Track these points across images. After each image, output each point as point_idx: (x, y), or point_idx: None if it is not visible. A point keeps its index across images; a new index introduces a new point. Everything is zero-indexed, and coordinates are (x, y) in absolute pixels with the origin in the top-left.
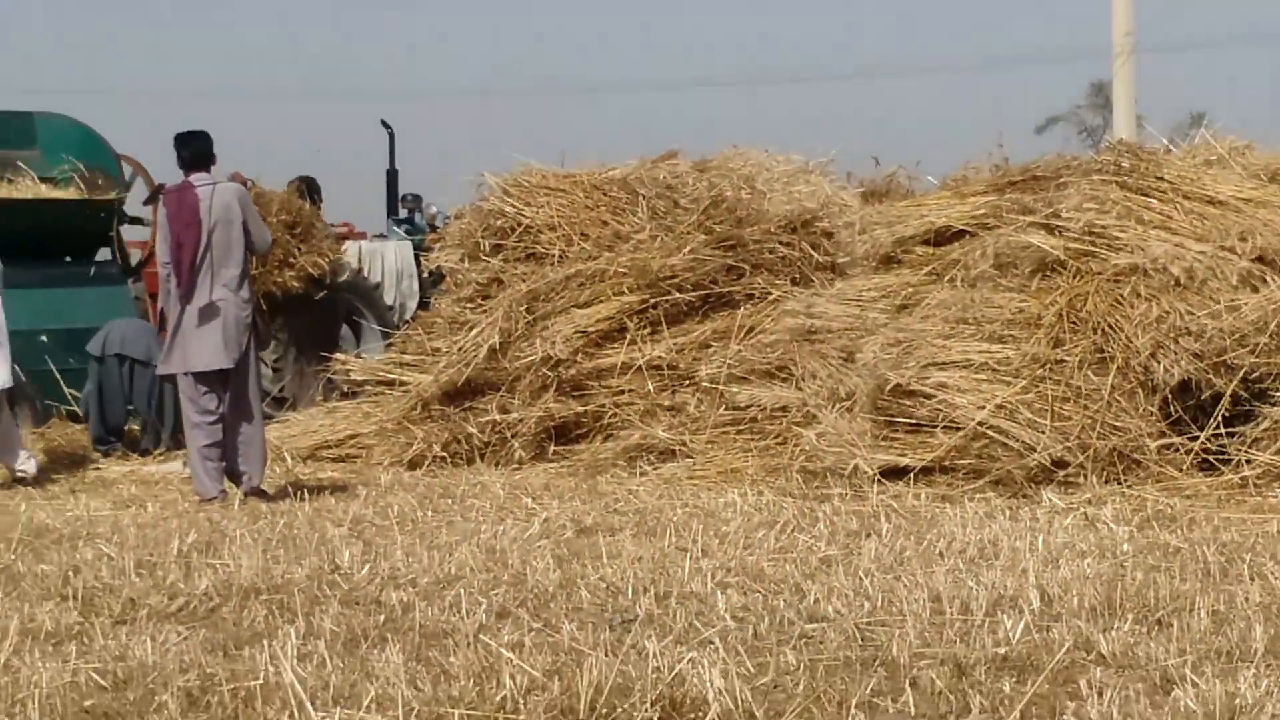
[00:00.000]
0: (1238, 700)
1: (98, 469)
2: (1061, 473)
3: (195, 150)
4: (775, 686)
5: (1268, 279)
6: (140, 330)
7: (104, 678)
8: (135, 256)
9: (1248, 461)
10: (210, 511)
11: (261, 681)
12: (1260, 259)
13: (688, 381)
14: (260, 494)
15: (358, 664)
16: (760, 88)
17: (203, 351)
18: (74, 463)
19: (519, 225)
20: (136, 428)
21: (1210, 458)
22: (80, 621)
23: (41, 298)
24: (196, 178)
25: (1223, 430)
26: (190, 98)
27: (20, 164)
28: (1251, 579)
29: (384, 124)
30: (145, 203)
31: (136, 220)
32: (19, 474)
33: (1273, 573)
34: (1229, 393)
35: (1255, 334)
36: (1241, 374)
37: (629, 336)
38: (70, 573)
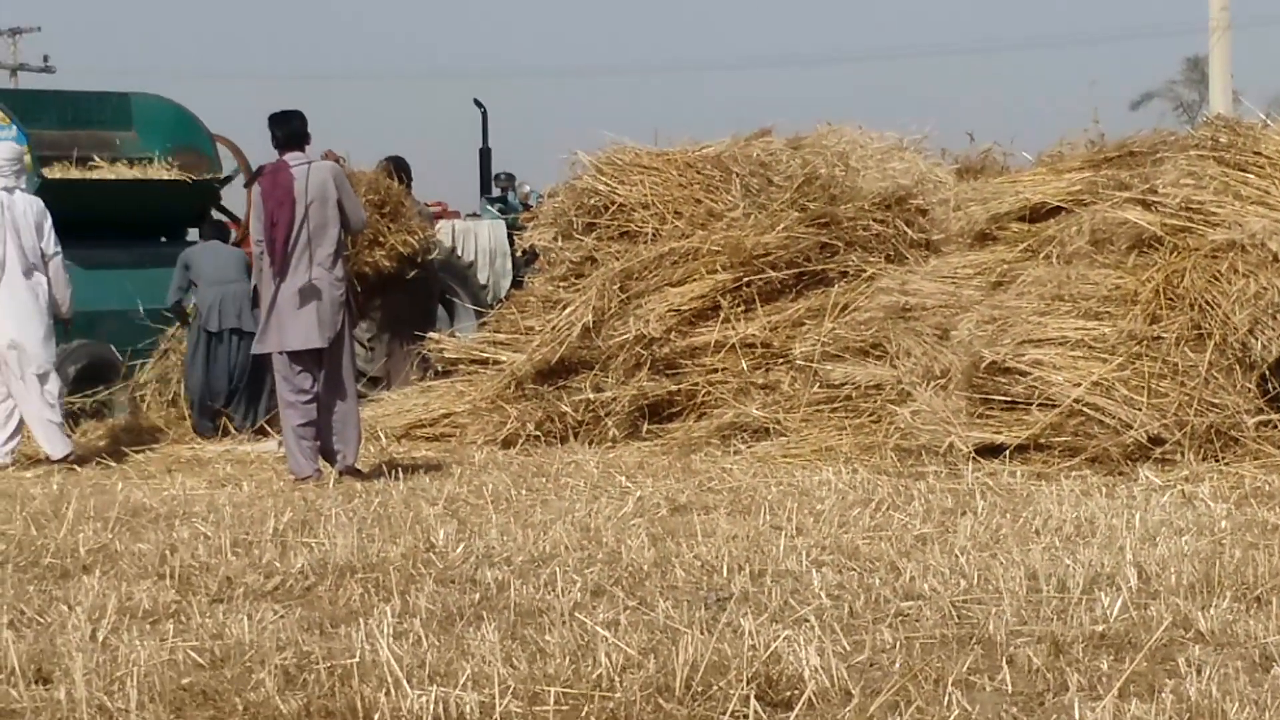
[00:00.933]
0: None
1: (193, 448)
2: (1158, 450)
3: (290, 130)
4: (871, 664)
5: None
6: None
7: (201, 656)
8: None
9: None
10: (305, 491)
11: (358, 659)
12: None
13: (781, 359)
14: (355, 473)
15: (453, 642)
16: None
17: (298, 330)
18: (170, 442)
19: (612, 204)
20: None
21: None
22: (177, 600)
23: (137, 278)
24: (291, 157)
25: None
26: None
27: (117, 144)
28: None
29: (477, 103)
30: (246, 185)
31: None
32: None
33: None
34: None
35: None
36: None
37: (722, 314)
38: (167, 551)
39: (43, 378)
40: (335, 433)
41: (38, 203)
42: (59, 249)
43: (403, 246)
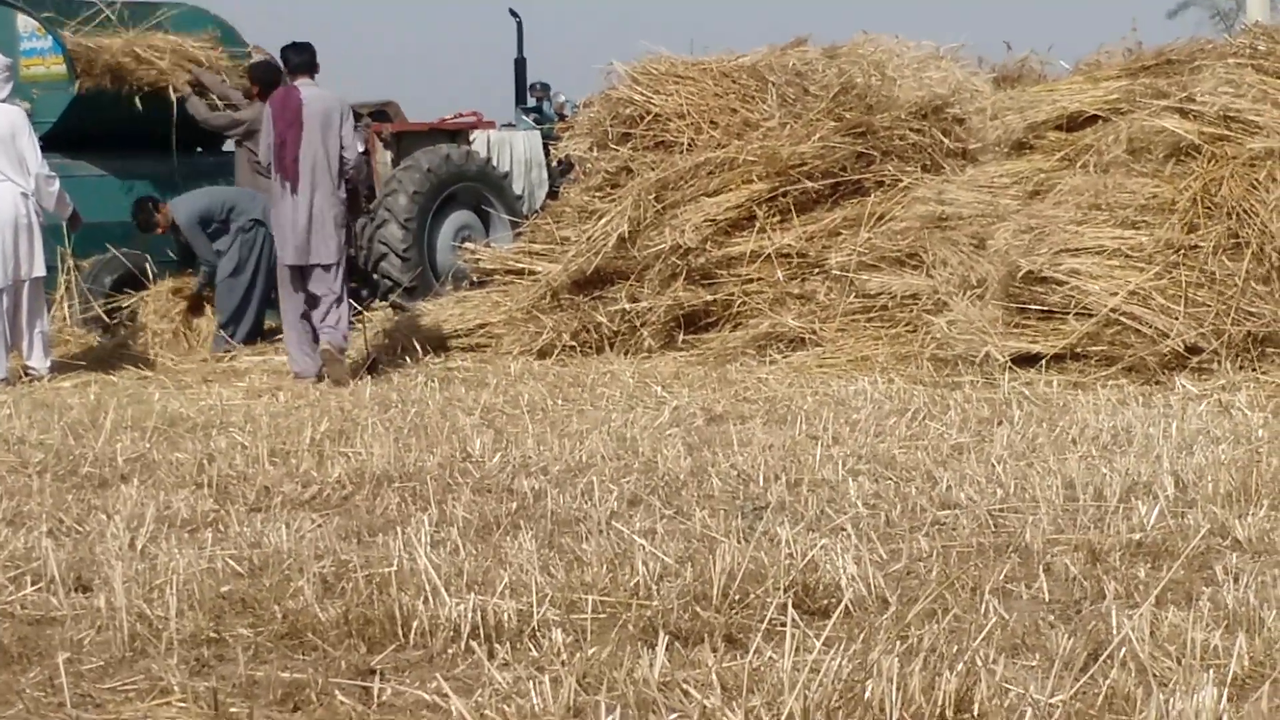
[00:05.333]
0: None
1: (229, 355)
2: (1195, 359)
3: (303, 59)
4: (908, 573)
5: None
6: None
7: (240, 564)
8: None
9: None
10: (342, 399)
11: (395, 568)
12: None
13: (817, 270)
14: (332, 359)
15: (491, 551)
16: None
17: (301, 246)
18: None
19: (648, 114)
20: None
21: None
22: (215, 509)
23: (176, 189)
24: (302, 83)
25: None
26: None
27: None
28: None
29: (512, 12)
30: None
31: None
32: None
33: None
34: None
35: None
36: None
37: (758, 225)
38: (205, 461)
39: (32, 285)
40: (322, 326)
41: (18, 113)
42: (42, 160)
43: None
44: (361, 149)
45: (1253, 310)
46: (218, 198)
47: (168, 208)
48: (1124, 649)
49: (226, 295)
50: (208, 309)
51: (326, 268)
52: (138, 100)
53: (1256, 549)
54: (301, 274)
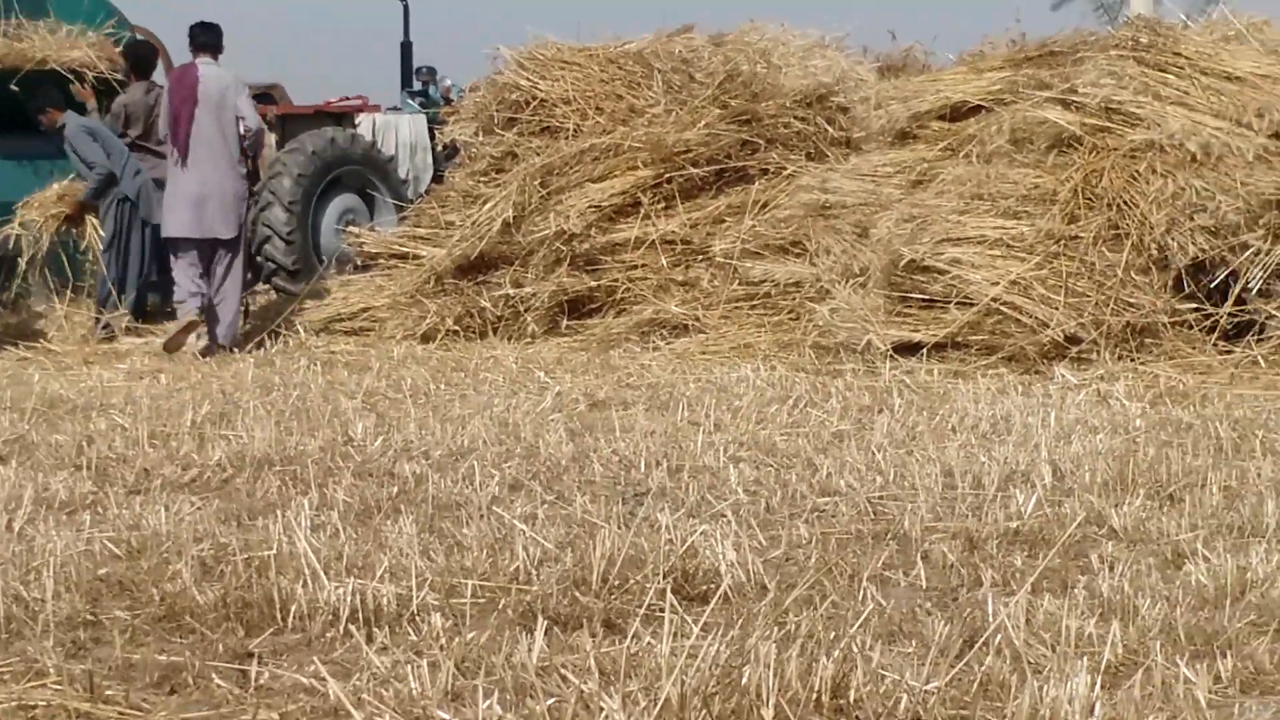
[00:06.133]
0: (1249, 575)
1: (108, 337)
2: (1074, 349)
3: (208, 38)
4: (787, 559)
5: None
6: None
7: (118, 546)
8: None
9: (1260, 338)
10: (224, 382)
11: (275, 551)
12: (1276, 135)
13: (701, 256)
14: (221, 349)
15: (371, 535)
16: None
17: (194, 220)
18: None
19: (534, 99)
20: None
21: (1221, 335)
22: (94, 491)
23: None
24: (202, 61)
25: (1234, 308)
26: None
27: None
28: (1263, 455)
29: None
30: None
31: None
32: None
33: None
34: (1243, 270)
35: (1269, 211)
36: (1254, 251)
37: (643, 211)
38: (84, 443)
39: None
40: (215, 310)
41: None
42: None
43: None
44: (259, 124)
45: (1131, 301)
46: (112, 139)
47: (63, 114)
48: (999, 636)
49: (103, 271)
50: (90, 223)
51: (225, 244)
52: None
53: (1132, 538)
54: (197, 249)
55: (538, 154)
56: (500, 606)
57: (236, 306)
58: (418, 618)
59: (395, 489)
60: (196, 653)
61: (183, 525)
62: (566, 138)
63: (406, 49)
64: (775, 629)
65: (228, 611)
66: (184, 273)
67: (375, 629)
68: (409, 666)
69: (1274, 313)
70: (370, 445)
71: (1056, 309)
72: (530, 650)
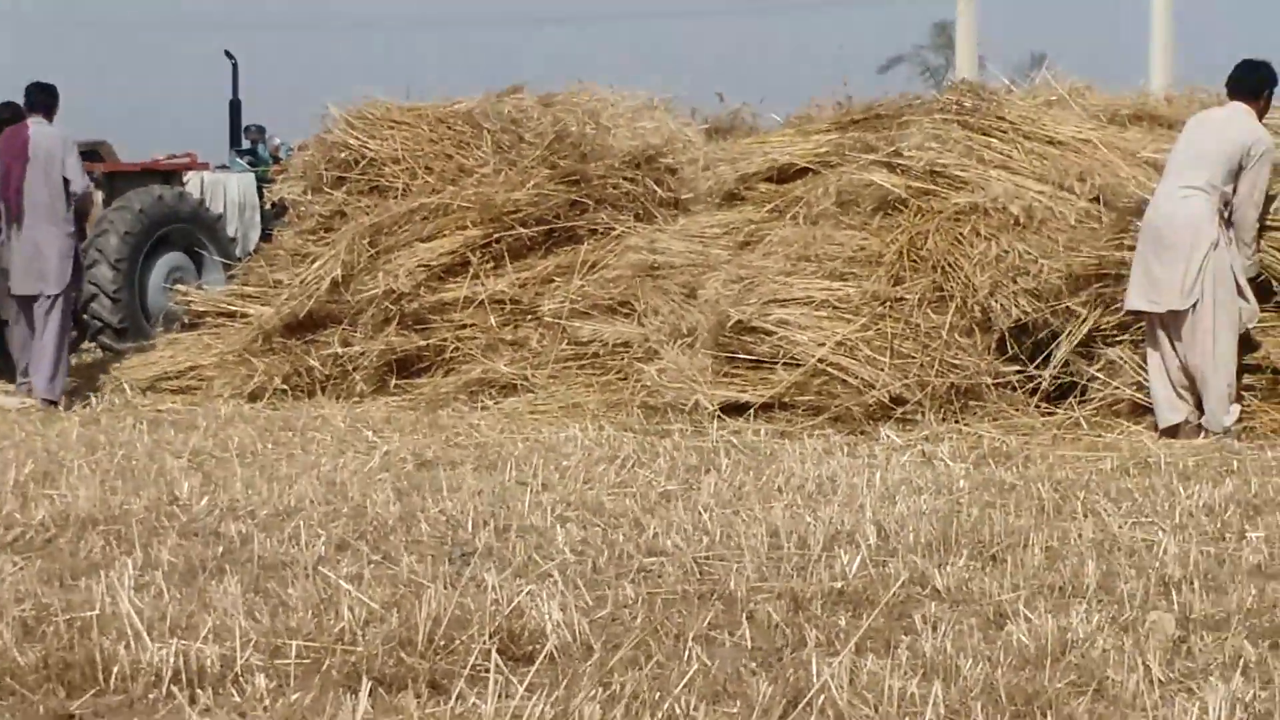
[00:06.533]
0: (1069, 634)
1: None
2: (900, 410)
3: (45, 97)
4: (613, 619)
5: (1104, 218)
6: None
7: None
8: None
9: (1082, 400)
10: (48, 440)
11: (98, 612)
12: (1098, 199)
13: (530, 316)
14: (45, 403)
15: (195, 595)
16: (608, 24)
17: (24, 276)
18: None
19: (363, 158)
20: None
21: (1044, 397)
22: None
23: None
24: (35, 120)
25: (1057, 370)
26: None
27: None
28: (1084, 515)
29: (228, 54)
30: None
31: None
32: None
33: (1105, 509)
34: (1065, 333)
35: (1090, 275)
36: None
37: (472, 270)
38: None
39: None
40: (33, 364)
41: None
42: None
43: None
44: (89, 183)
45: (956, 362)
46: None
47: None
48: (823, 697)
49: None
50: None
51: (50, 298)
52: None
53: (955, 598)
54: (29, 305)
55: (366, 213)
56: (325, 667)
57: (57, 359)
58: (241, 679)
59: (220, 549)
60: (17, 715)
61: (4, 586)
62: (395, 197)
63: (235, 107)
64: (600, 689)
65: (49, 673)
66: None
67: (198, 690)
68: None
69: (1095, 374)
70: (196, 505)
71: (882, 370)
72: (354, 712)
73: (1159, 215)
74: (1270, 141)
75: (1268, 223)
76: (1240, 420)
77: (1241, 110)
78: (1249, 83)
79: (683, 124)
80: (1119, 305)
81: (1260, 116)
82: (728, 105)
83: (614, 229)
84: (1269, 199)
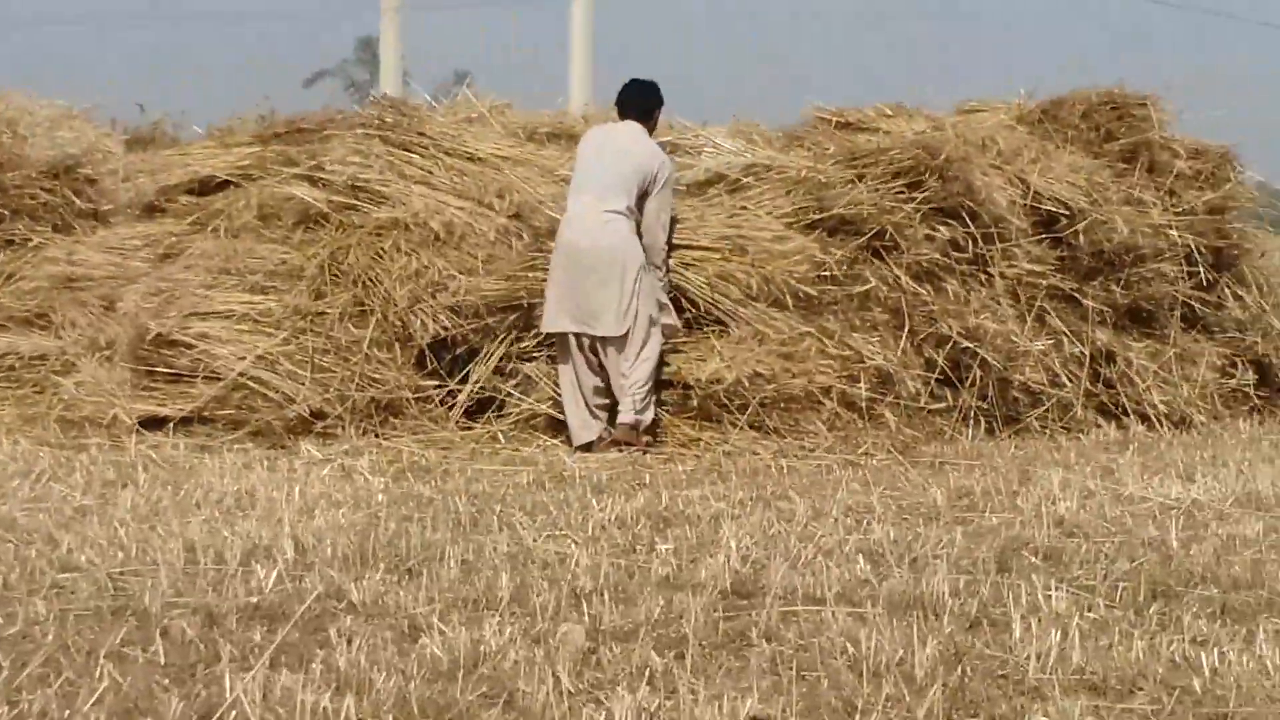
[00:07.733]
0: (482, 646)
1: None
2: (320, 424)
3: None
4: (24, 637)
5: (523, 235)
6: None
7: None
8: None
9: (500, 415)
10: None
11: None
12: (516, 215)
13: None
14: None
15: None
16: (29, 29)
17: None
18: None
19: None
20: None
21: (463, 411)
22: None
23: None
24: None
25: (476, 386)
26: None
27: None
28: (500, 529)
29: None
30: None
31: None
32: None
33: (520, 523)
34: (484, 349)
35: (506, 290)
36: (497, 330)
37: None
38: None
39: None
40: None
41: None
42: None
43: None
44: None
45: (376, 376)
46: None
47: None
48: (234, 712)
49: None
50: None
51: None
52: None
53: (370, 611)
54: None
55: None
56: None
57: None
58: None
59: None
60: None
61: None
62: None
63: None
64: (7, 708)
65: None
66: None
67: None
68: None
69: (512, 391)
70: None
71: (303, 384)
72: None
73: (581, 236)
74: (672, 165)
75: (675, 242)
76: (654, 432)
77: (642, 132)
78: (642, 105)
79: (103, 134)
80: (536, 323)
81: (649, 135)
82: (148, 116)
83: (31, 240)
84: (673, 221)
